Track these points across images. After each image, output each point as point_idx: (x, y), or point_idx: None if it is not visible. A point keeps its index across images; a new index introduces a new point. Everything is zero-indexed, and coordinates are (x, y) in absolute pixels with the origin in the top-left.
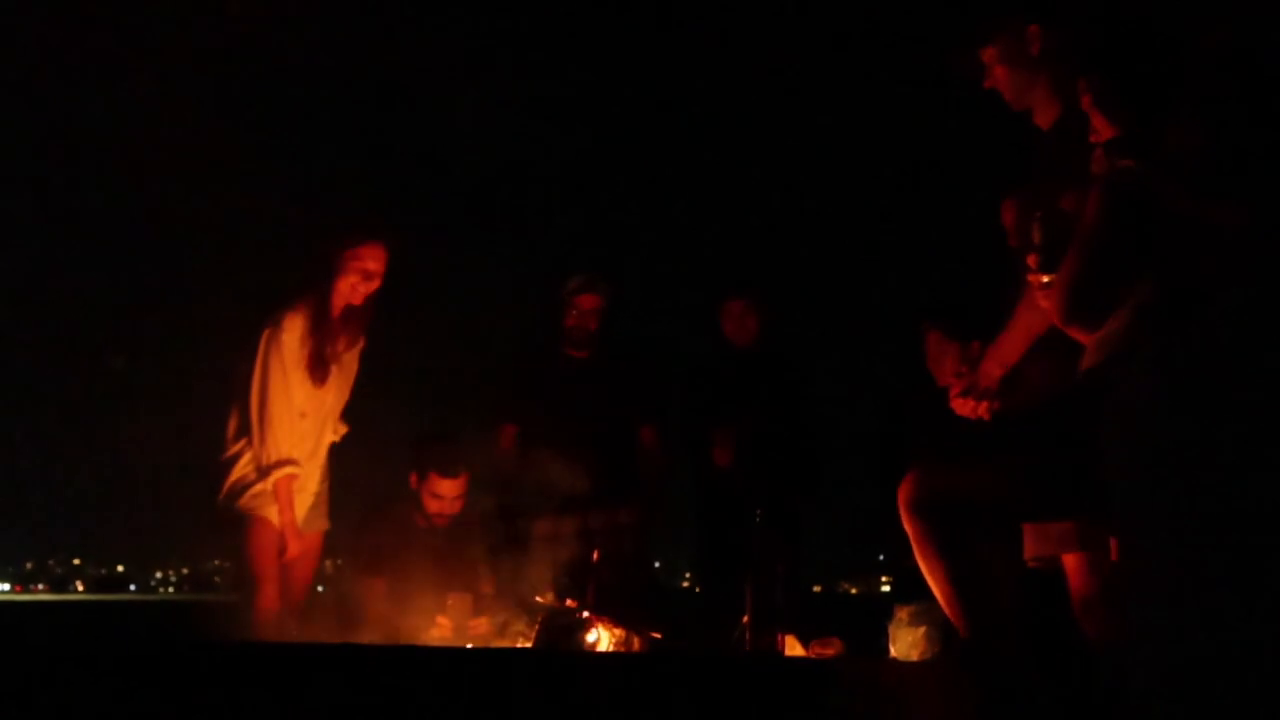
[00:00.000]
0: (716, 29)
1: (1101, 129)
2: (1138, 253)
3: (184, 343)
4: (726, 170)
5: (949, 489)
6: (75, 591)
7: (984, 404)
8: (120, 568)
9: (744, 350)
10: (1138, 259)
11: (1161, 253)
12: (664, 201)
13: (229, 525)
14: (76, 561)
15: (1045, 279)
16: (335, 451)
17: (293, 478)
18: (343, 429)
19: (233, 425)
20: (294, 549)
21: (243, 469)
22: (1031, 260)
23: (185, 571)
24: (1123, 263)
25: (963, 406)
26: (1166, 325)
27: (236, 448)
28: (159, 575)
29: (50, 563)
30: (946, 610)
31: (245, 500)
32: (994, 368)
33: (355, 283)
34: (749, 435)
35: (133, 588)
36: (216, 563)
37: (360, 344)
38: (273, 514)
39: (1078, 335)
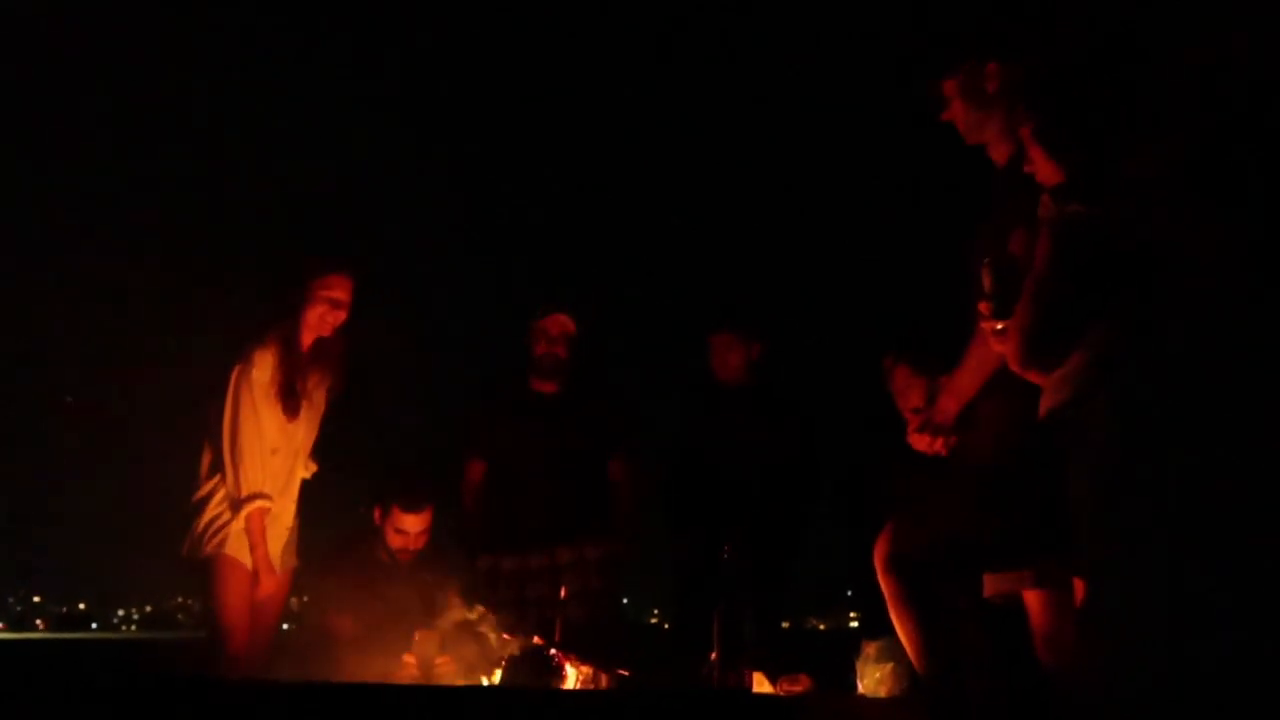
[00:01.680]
0: (716, 38)
1: (1038, 160)
2: (1091, 296)
3: (150, 381)
4: (704, 198)
5: (920, 546)
6: (36, 629)
7: (940, 439)
8: (82, 605)
9: (729, 384)
10: (1091, 302)
11: (1115, 294)
12: (651, 231)
13: (201, 564)
14: (37, 599)
15: (999, 325)
16: (303, 488)
17: (264, 511)
18: (313, 466)
19: (205, 465)
20: (268, 584)
21: (216, 508)
22: (984, 307)
23: (148, 609)
24: (1076, 306)
25: (919, 441)
26: (1124, 362)
27: (209, 487)
28: (121, 613)
29: (10, 600)
30: (915, 663)
31: (219, 539)
32: (950, 403)
33: (324, 313)
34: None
35: (94, 626)
36: (180, 600)
37: (330, 381)
38: (245, 553)
39: (1034, 379)
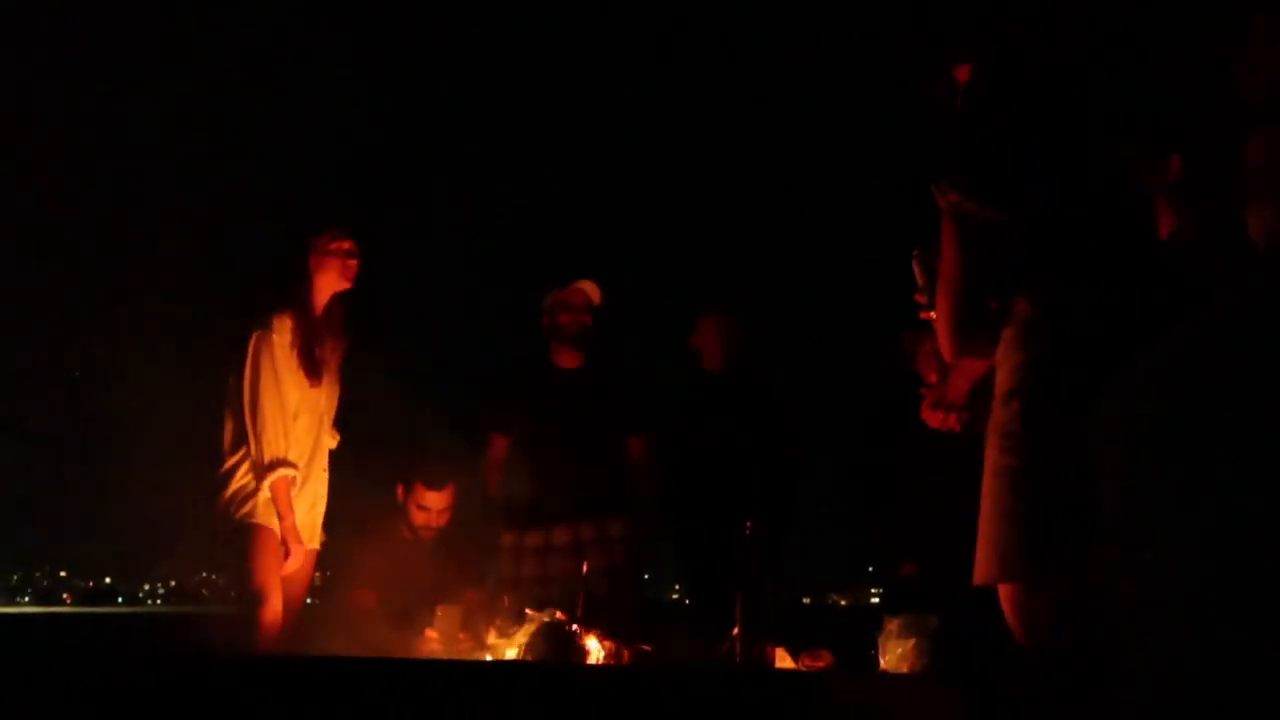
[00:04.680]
0: (716, 38)
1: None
2: (998, 274)
3: (170, 354)
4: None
5: None
6: (64, 604)
7: (953, 416)
8: (108, 580)
9: (715, 370)
10: (1000, 280)
11: (1023, 269)
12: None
13: (230, 536)
14: (63, 574)
15: (932, 315)
16: (331, 459)
17: (290, 481)
18: (337, 435)
19: (228, 436)
20: (297, 552)
21: (242, 479)
22: (919, 298)
23: (173, 584)
24: (986, 288)
25: (933, 418)
26: (1121, 362)
27: (235, 459)
28: (146, 588)
29: (37, 575)
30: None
31: (247, 509)
32: (960, 380)
33: (340, 266)
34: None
35: (120, 600)
36: (203, 575)
37: (342, 350)
38: (274, 521)
39: (977, 365)
